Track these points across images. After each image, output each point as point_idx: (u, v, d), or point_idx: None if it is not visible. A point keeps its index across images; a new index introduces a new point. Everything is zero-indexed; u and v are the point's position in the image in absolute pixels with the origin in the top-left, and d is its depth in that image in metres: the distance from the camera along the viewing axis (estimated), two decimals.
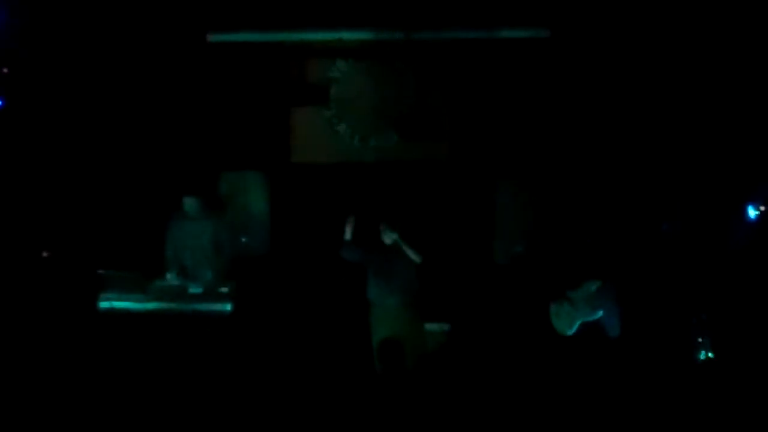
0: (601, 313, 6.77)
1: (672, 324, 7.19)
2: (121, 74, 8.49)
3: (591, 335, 6.78)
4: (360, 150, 9.01)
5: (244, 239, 8.40)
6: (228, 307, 7.13)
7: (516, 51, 8.69)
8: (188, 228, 7.52)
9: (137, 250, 7.89)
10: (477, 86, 8.84)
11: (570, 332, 6.78)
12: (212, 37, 8.67)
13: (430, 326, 7.31)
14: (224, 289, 7.18)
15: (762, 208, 7.38)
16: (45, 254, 8.22)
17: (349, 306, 7.91)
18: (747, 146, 7.67)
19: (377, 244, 7.14)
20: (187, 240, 7.52)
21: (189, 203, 7.51)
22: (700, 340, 7.03)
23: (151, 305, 7.06)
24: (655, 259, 7.64)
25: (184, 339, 6.92)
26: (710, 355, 6.97)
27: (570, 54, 8.54)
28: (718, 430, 6.09)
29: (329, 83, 8.97)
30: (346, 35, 8.73)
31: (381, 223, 7.11)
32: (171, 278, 7.33)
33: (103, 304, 7.07)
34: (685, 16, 7.95)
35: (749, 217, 7.41)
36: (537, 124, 8.69)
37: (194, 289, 7.17)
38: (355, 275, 7.53)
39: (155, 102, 8.60)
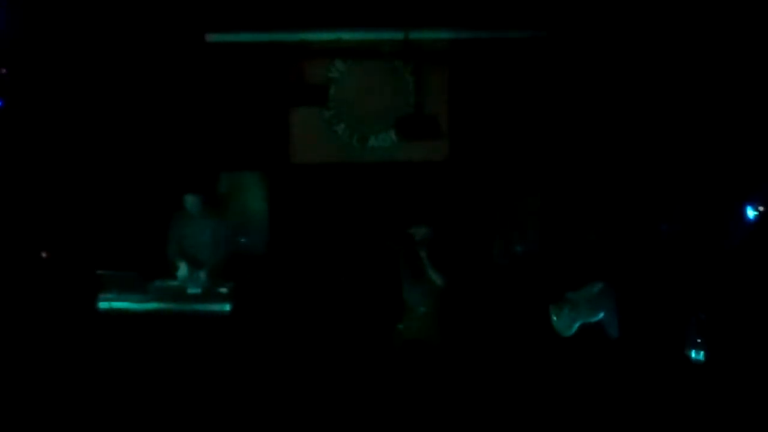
0: (602, 314, 6.76)
1: (671, 324, 7.19)
2: (120, 74, 8.50)
3: (591, 336, 6.78)
4: (359, 150, 9.03)
5: (243, 239, 8.40)
6: (227, 307, 7.12)
7: (515, 51, 8.71)
8: (189, 226, 7.52)
9: (136, 250, 7.89)
10: (476, 86, 8.85)
11: (570, 333, 6.77)
12: (211, 38, 8.69)
13: None
14: (223, 290, 7.17)
15: (761, 208, 7.37)
16: (44, 254, 8.22)
17: (348, 306, 7.93)
18: (746, 146, 7.66)
19: (408, 246, 6.95)
20: (188, 238, 7.52)
21: (190, 201, 7.51)
22: (698, 340, 7.02)
23: (150, 305, 7.05)
24: (654, 259, 7.64)
25: (183, 339, 6.91)
26: (709, 355, 6.96)
27: (570, 54, 8.55)
28: (717, 430, 6.08)
29: (328, 83, 8.99)
30: (345, 35, 8.75)
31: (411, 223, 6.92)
32: (183, 269, 7.32)
33: (102, 305, 7.06)
34: (684, 15, 7.95)
35: (748, 218, 7.41)
36: (536, 125, 8.71)
37: (193, 290, 7.17)
38: (353, 276, 7.57)
39: (154, 102, 8.61)
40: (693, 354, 6.80)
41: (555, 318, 6.88)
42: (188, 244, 7.50)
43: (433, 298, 6.66)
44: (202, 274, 7.34)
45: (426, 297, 6.66)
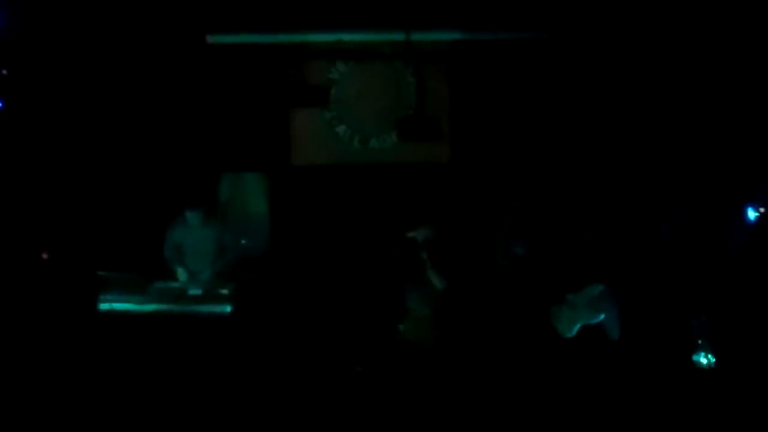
0: (602, 316, 6.75)
1: (672, 325, 7.18)
2: (120, 76, 8.50)
3: (591, 338, 6.78)
4: (360, 151, 9.03)
5: (243, 241, 8.40)
6: (227, 308, 7.13)
7: (516, 52, 8.71)
8: (191, 235, 7.53)
9: (137, 251, 7.89)
10: (477, 88, 8.85)
11: (570, 335, 6.76)
12: (212, 39, 8.69)
13: None
14: (224, 291, 7.18)
15: (761, 209, 7.37)
16: (45, 256, 8.22)
17: (348, 308, 7.92)
18: (746, 147, 7.66)
19: (410, 248, 6.97)
20: (190, 247, 7.53)
21: (192, 217, 7.50)
22: (699, 341, 7.02)
23: (150, 307, 7.06)
24: (654, 261, 7.64)
25: (183, 340, 6.91)
26: (710, 356, 6.96)
27: (571, 56, 8.55)
28: None
29: (329, 85, 8.99)
30: (346, 37, 8.75)
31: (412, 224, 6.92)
32: (182, 274, 7.32)
33: (103, 306, 7.07)
34: (684, 16, 7.95)
35: (748, 219, 7.41)
36: (537, 127, 8.70)
37: (194, 291, 7.17)
38: (354, 277, 7.55)
39: (155, 104, 8.61)
40: (701, 358, 6.80)
41: (555, 319, 6.87)
42: (190, 253, 7.50)
43: (434, 300, 6.66)
44: (204, 276, 7.34)
45: (427, 299, 6.67)
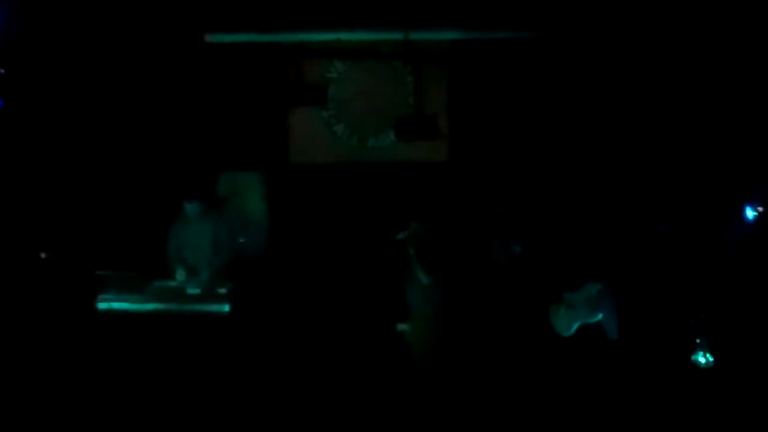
0: (600, 315, 6.76)
1: (670, 324, 7.19)
2: (119, 75, 8.50)
3: (590, 337, 6.79)
4: (358, 150, 9.03)
5: (242, 240, 8.39)
6: (226, 307, 7.12)
7: (514, 51, 8.70)
8: (189, 229, 7.53)
9: (135, 251, 7.88)
10: (475, 87, 8.85)
11: (569, 334, 6.78)
12: (210, 38, 8.68)
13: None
14: (222, 290, 7.17)
15: (760, 208, 7.37)
16: (43, 255, 8.22)
17: (346, 307, 7.93)
18: (745, 147, 7.67)
19: (400, 245, 6.96)
20: (189, 241, 7.53)
21: (190, 208, 7.50)
22: (698, 340, 7.03)
23: (149, 306, 7.05)
24: (653, 260, 7.64)
25: (182, 340, 6.91)
26: (708, 355, 6.96)
27: (569, 55, 8.55)
28: (716, 431, 6.09)
29: (327, 84, 8.99)
30: (344, 36, 8.74)
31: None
32: (180, 275, 7.33)
33: (102, 305, 7.07)
34: (683, 15, 7.95)
35: (747, 218, 7.41)
36: (536, 126, 8.71)
37: (192, 290, 7.17)
38: (351, 277, 7.56)
39: (153, 103, 8.61)
40: (700, 357, 6.80)
41: (554, 319, 6.88)
42: (189, 247, 7.51)
43: (424, 296, 6.67)
44: (203, 275, 7.35)
45: (418, 295, 6.68)
